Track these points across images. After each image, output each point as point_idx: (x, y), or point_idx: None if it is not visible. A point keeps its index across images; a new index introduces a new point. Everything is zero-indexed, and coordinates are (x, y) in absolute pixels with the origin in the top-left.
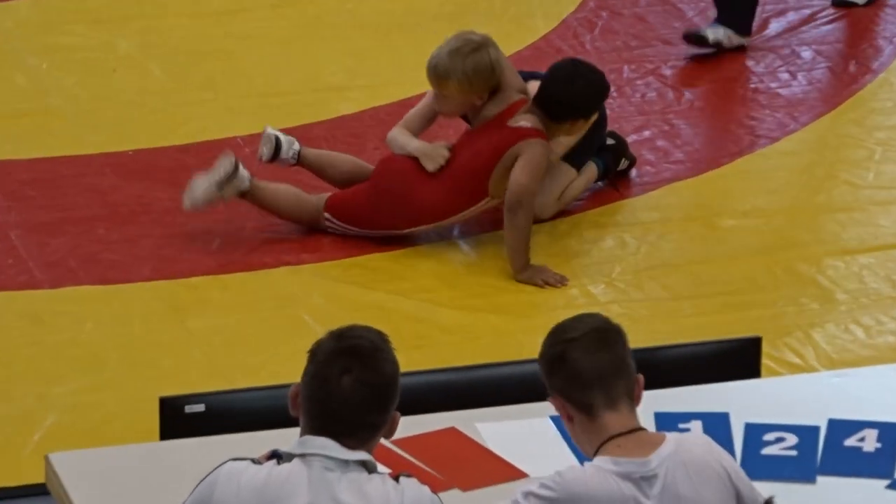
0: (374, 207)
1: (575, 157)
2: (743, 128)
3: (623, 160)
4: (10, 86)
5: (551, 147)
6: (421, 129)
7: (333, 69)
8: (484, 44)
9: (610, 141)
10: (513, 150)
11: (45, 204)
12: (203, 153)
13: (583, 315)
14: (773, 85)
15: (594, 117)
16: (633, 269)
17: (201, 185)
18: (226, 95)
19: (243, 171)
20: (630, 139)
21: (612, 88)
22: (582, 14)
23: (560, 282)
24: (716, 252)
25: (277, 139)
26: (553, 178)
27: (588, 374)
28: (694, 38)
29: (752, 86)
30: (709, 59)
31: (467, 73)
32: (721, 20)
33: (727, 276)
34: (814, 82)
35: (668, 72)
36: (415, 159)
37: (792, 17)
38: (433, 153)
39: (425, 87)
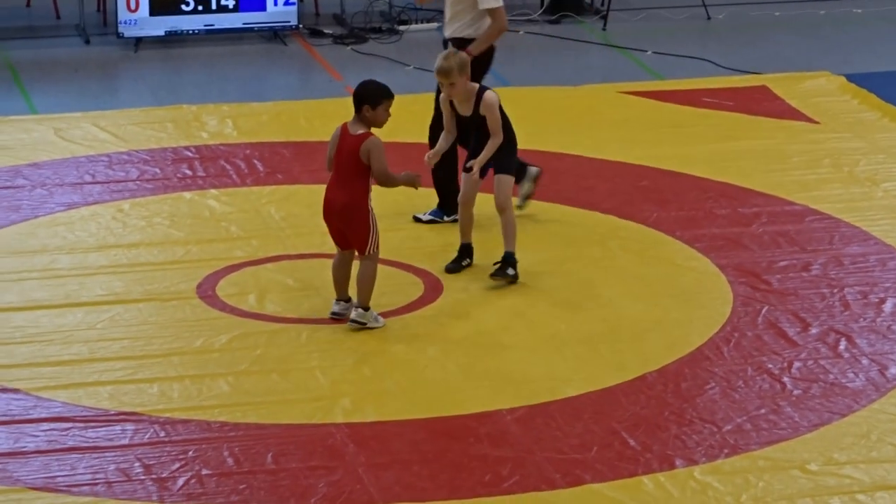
0: None
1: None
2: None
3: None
4: None
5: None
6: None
7: None
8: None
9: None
10: (363, 148)
11: None
12: None
13: None
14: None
15: (381, 106)
16: None
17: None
18: None
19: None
20: (742, 418)
21: (740, 382)
22: (722, 334)
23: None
24: None
25: None
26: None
27: None
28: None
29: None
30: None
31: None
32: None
33: None
34: None
35: (782, 373)
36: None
37: None
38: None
39: None
